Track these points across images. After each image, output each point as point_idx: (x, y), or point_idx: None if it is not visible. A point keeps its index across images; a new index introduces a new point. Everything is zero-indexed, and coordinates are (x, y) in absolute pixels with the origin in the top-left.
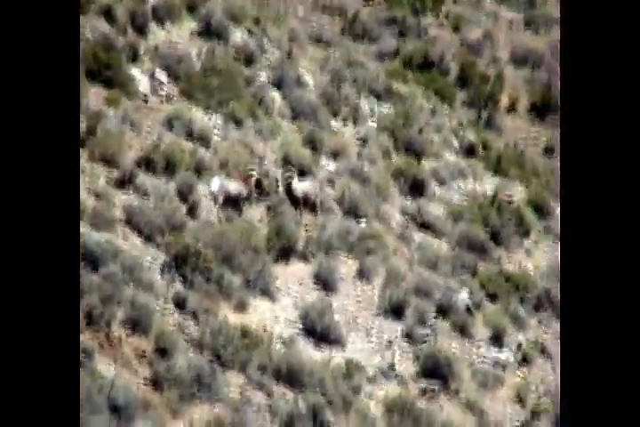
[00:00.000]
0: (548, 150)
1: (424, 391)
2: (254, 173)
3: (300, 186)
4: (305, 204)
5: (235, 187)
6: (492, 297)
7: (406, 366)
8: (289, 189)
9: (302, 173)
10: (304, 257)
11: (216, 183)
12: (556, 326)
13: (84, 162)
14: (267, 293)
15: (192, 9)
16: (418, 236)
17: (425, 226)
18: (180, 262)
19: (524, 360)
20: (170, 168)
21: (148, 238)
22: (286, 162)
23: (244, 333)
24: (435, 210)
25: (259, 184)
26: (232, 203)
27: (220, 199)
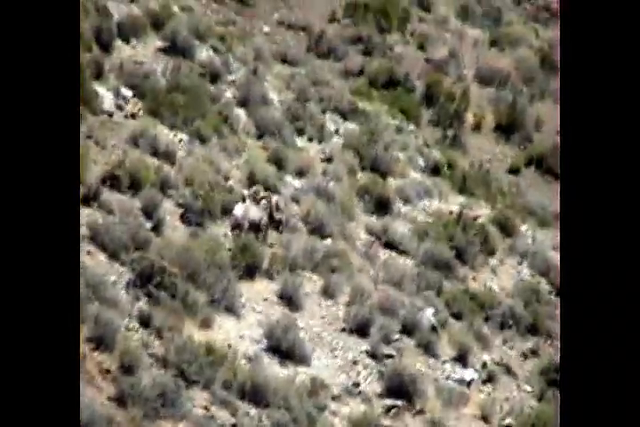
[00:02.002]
0: (513, 169)
1: (388, 409)
2: (271, 195)
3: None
4: (268, 225)
5: (255, 212)
6: (457, 316)
7: (371, 384)
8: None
9: (267, 191)
10: (269, 275)
11: (239, 209)
12: (520, 345)
13: None
14: (232, 310)
15: (157, 26)
16: (383, 254)
17: (390, 244)
18: (145, 280)
19: (489, 379)
20: (135, 185)
21: (113, 255)
22: (251, 179)
23: (209, 350)
24: (400, 228)
25: (277, 207)
26: (254, 228)
27: (246, 225)
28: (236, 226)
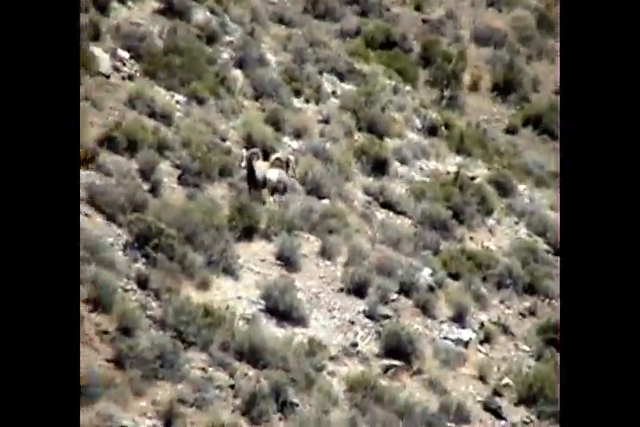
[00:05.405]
0: (510, 129)
1: (386, 369)
2: (279, 155)
3: (262, 168)
4: (266, 185)
5: (283, 175)
6: (455, 276)
7: (369, 345)
8: (251, 171)
9: (265, 152)
10: (266, 236)
11: (274, 174)
12: (518, 304)
13: None
14: (229, 271)
15: None
16: (380, 214)
17: (387, 205)
18: (143, 241)
19: (487, 339)
20: (132, 146)
21: (110, 217)
22: (249, 140)
23: (207, 311)
24: (397, 189)
25: (287, 165)
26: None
27: (281, 188)
28: (274, 190)
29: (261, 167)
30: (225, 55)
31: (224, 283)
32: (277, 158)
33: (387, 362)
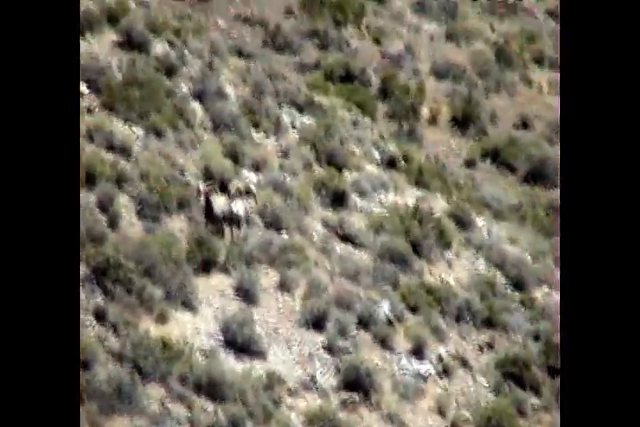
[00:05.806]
0: (469, 162)
1: (345, 403)
2: (238, 184)
3: (219, 203)
4: (224, 218)
5: (246, 206)
6: (413, 309)
7: (327, 378)
8: (209, 204)
9: (223, 185)
10: (225, 269)
11: (241, 207)
12: (476, 338)
13: None
14: (188, 305)
15: (113, 20)
16: (339, 248)
17: (346, 238)
18: (101, 275)
19: (445, 372)
20: (90, 180)
21: None
22: (207, 174)
23: (165, 345)
24: (356, 222)
25: (248, 193)
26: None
27: (245, 222)
28: (234, 223)
29: (219, 201)
30: (184, 88)
31: (182, 316)
32: (238, 188)
33: (345, 396)
